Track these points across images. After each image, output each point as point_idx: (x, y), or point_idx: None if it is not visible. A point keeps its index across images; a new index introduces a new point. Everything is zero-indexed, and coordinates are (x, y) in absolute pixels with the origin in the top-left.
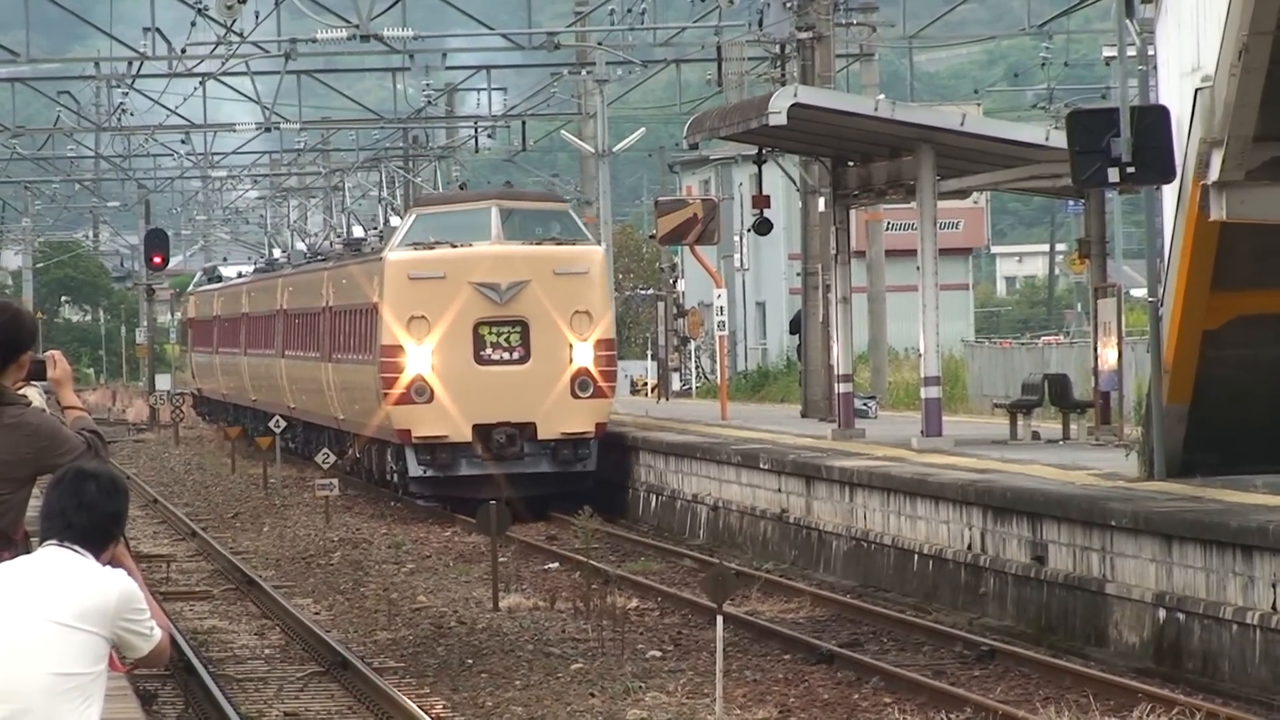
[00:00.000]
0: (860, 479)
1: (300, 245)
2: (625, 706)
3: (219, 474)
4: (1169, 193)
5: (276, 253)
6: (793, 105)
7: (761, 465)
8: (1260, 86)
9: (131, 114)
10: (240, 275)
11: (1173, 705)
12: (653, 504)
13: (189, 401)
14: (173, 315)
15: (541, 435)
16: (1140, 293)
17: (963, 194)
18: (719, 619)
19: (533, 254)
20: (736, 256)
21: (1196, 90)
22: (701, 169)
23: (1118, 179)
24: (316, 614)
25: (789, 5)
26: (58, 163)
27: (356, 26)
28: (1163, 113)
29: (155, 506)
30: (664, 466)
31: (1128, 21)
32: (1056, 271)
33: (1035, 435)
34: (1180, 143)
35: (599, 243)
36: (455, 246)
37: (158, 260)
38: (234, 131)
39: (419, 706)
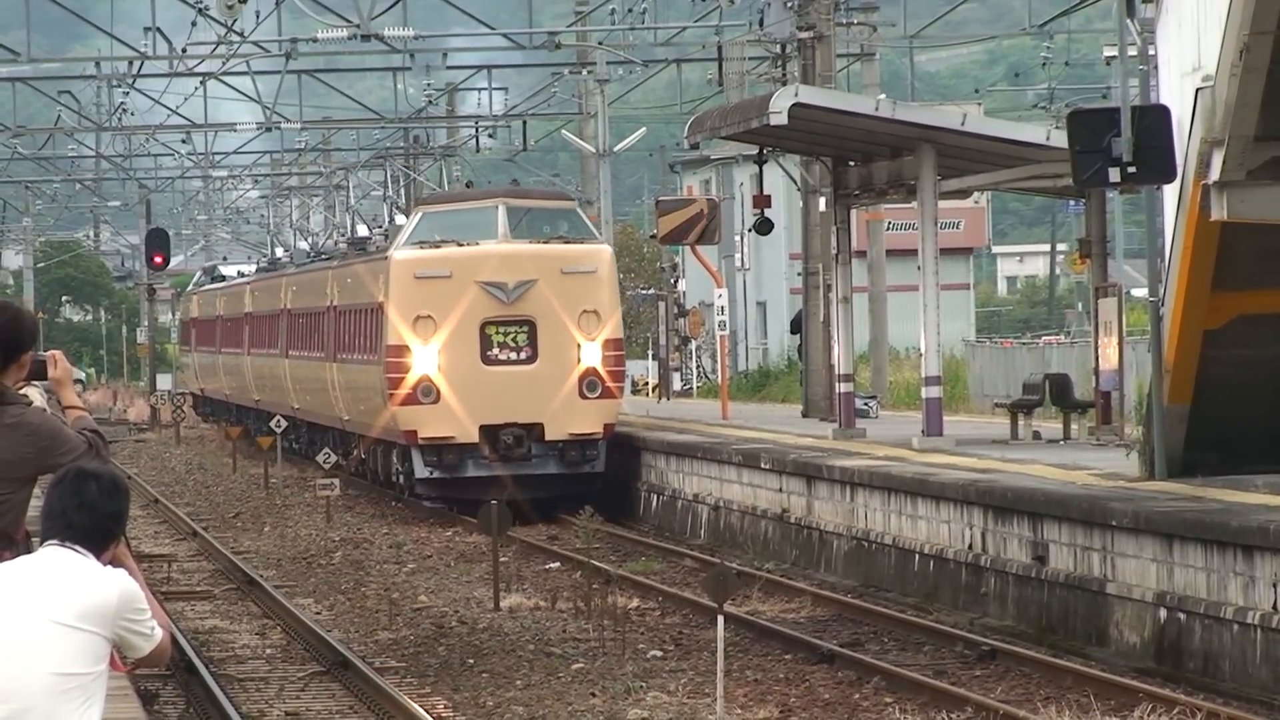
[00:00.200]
0: (861, 479)
1: (303, 244)
2: (626, 706)
3: (220, 474)
4: (1170, 192)
5: (279, 252)
6: (793, 105)
7: (762, 465)
8: (1261, 86)
9: (132, 114)
10: (240, 275)
11: (1173, 705)
12: (654, 504)
13: (189, 401)
14: (173, 315)
15: (549, 436)
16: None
17: (963, 194)
18: (720, 619)
19: (540, 253)
20: (737, 256)
21: (1197, 90)
22: (702, 169)
23: (1118, 179)
24: (318, 614)
25: (790, 5)
26: (58, 162)
27: (357, 26)
28: (1163, 112)
29: (156, 506)
30: (665, 466)
31: (1128, 21)
32: (1057, 271)
33: (1036, 435)
34: (1181, 142)
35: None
36: (462, 245)
37: (158, 260)
38: (235, 131)
39: (420, 706)
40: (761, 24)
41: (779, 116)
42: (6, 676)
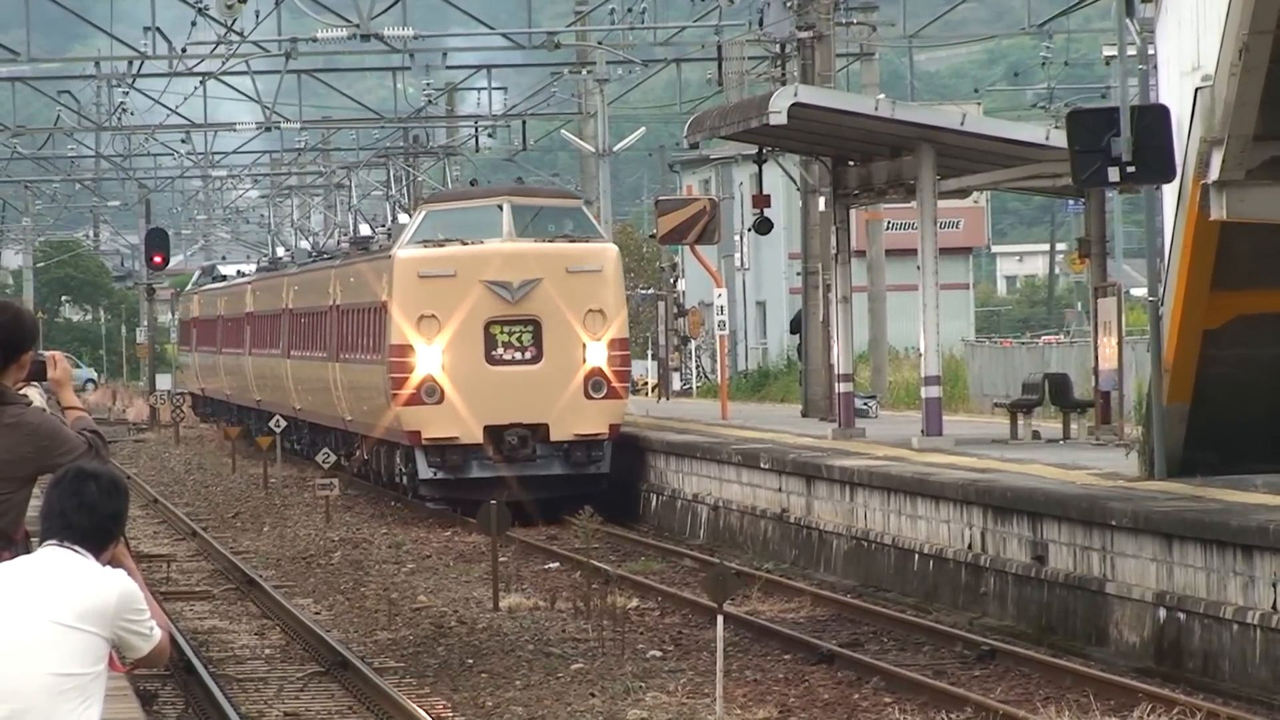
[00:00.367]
0: (861, 478)
1: (305, 244)
2: (625, 706)
3: (219, 474)
4: (1169, 192)
5: (280, 251)
6: (793, 105)
7: (762, 465)
8: (1260, 86)
9: (132, 113)
10: (240, 274)
11: (1173, 705)
12: (654, 503)
13: (188, 401)
14: (172, 315)
15: (554, 437)
16: (1140, 292)
17: (963, 193)
18: (719, 619)
19: (545, 251)
20: (737, 256)
21: (1197, 89)
22: (702, 168)
23: (1118, 178)
24: (317, 614)
25: (789, 5)
26: (58, 162)
27: (357, 26)
28: (1163, 112)
29: (155, 506)
30: (664, 466)
31: (1128, 21)
32: (1057, 271)
33: (1035, 435)
34: (1180, 142)
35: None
36: (466, 244)
37: (158, 260)
38: (234, 131)
39: (419, 706)
40: (761, 24)
41: (778, 116)
42: (5, 676)
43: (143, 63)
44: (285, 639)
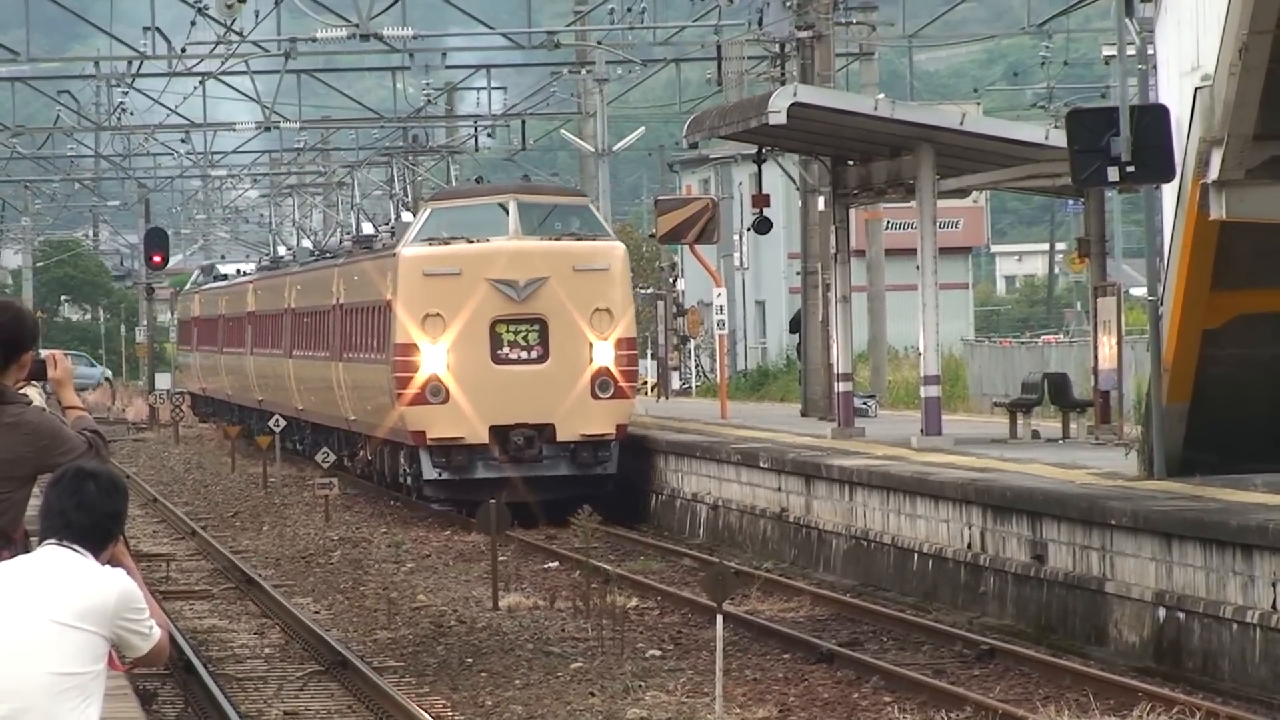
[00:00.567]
0: (860, 478)
1: (307, 242)
2: (625, 705)
3: (219, 473)
4: (1169, 192)
5: (281, 250)
6: (792, 104)
7: (761, 464)
8: (1260, 85)
9: (131, 113)
10: (240, 273)
11: (1173, 704)
12: (653, 503)
13: (187, 401)
14: (172, 314)
15: (560, 437)
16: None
17: (962, 193)
18: (719, 618)
19: (552, 250)
20: (736, 255)
21: (1196, 89)
22: (701, 168)
23: (1117, 178)
24: (316, 613)
25: (789, 4)
26: (57, 162)
27: (356, 26)
28: (1162, 112)
29: (155, 505)
30: (664, 465)
31: (1127, 20)
32: (1056, 270)
33: (1035, 434)
34: (1180, 142)
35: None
36: (471, 242)
37: (157, 259)
38: (234, 131)
39: (419, 706)
40: (760, 23)
41: (778, 116)
42: (5, 676)
43: (142, 62)
44: (285, 638)
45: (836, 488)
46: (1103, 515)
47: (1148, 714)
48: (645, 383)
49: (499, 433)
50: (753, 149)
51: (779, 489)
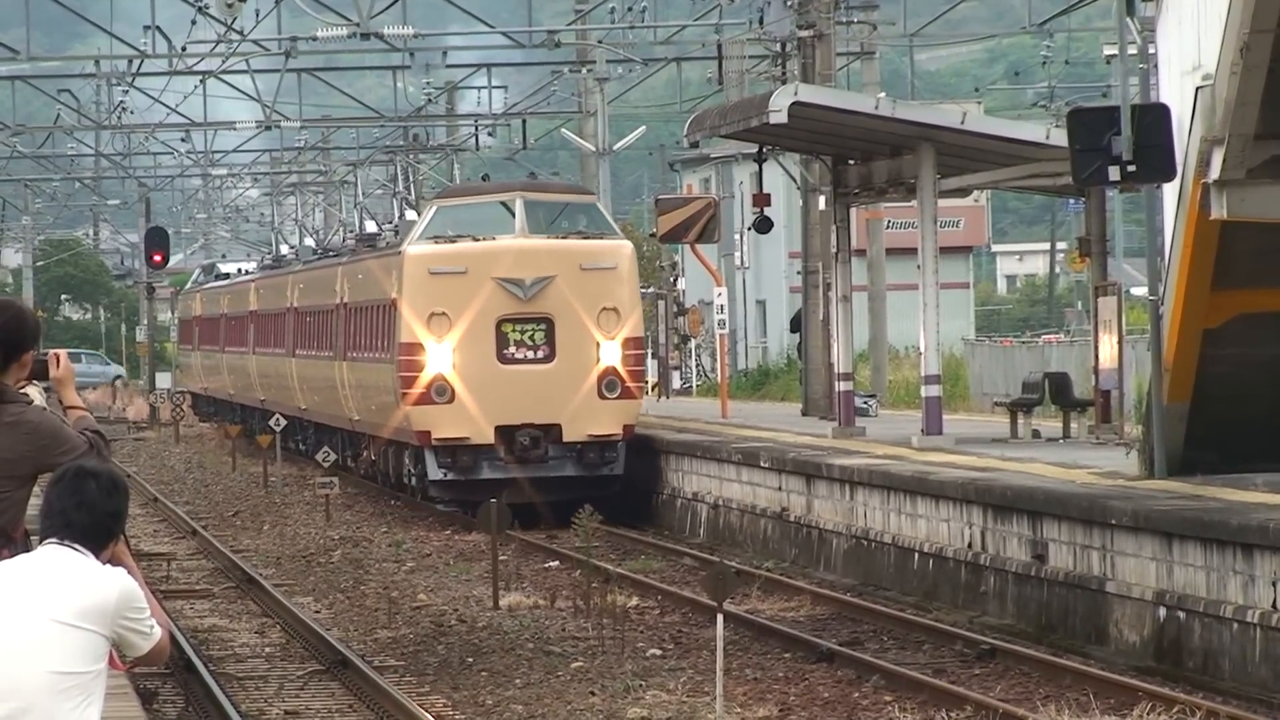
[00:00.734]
0: (861, 477)
1: (310, 241)
2: (626, 705)
3: (219, 472)
4: (1169, 191)
5: (284, 249)
6: (793, 103)
7: (762, 463)
8: (1261, 84)
9: (132, 112)
10: (241, 272)
11: (1173, 704)
12: (654, 502)
13: (188, 400)
14: (172, 313)
15: (567, 437)
16: (1141, 291)
17: (963, 192)
18: (719, 617)
19: (559, 248)
20: (737, 255)
21: (1197, 88)
22: (702, 167)
23: (1118, 177)
24: (317, 612)
25: (789, 3)
26: (58, 161)
27: (357, 24)
28: (1163, 111)
29: (155, 505)
30: (664, 464)
31: (1128, 19)
32: (1057, 270)
33: (1036, 434)
34: (1181, 141)
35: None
36: (478, 240)
37: (158, 258)
38: (234, 130)
39: (419, 705)
40: (761, 22)
41: (779, 115)
42: (6, 675)
43: (142, 61)
44: (285, 637)
45: (837, 487)
46: (1103, 515)
47: (1148, 713)
48: (646, 382)
49: (505, 433)
50: (753, 148)
51: (780, 488)
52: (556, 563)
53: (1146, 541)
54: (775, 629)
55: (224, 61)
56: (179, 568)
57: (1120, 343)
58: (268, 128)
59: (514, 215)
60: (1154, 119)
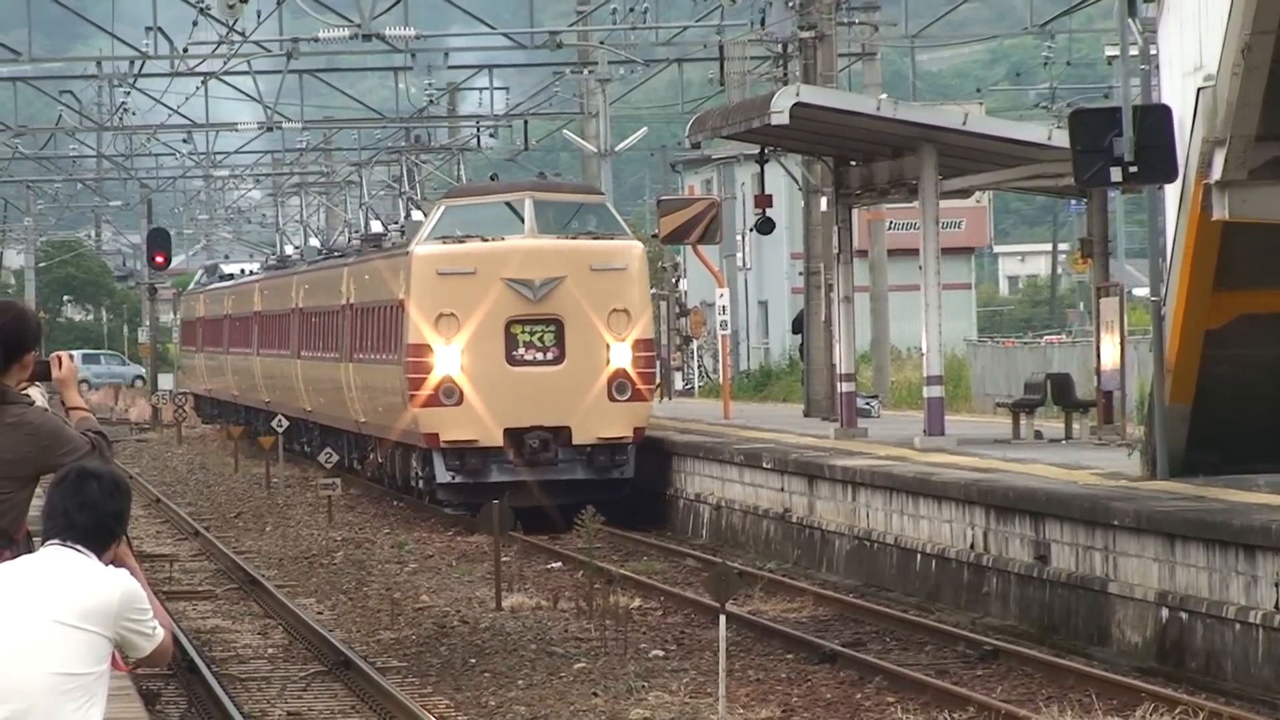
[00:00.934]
0: (863, 478)
1: (314, 241)
2: (628, 706)
3: (222, 474)
4: (1171, 192)
5: (288, 249)
6: (795, 105)
7: (764, 465)
8: (1263, 85)
9: (133, 113)
10: (244, 273)
11: (1175, 705)
12: (656, 503)
13: (190, 401)
14: (174, 314)
15: (577, 440)
16: (1142, 292)
17: (965, 193)
18: (722, 618)
19: (568, 249)
20: (739, 256)
21: (1199, 89)
22: (703, 168)
23: (1120, 178)
24: (319, 613)
25: (791, 4)
26: (60, 162)
27: (358, 26)
28: (1165, 112)
29: (158, 506)
30: (667, 466)
31: (1130, 21)
32: (1059, 271)
33: (1038, 434)
34: (1183, 142)
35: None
36: (486, 240)
37: (160, 259)
38: (236, 131)
39: (422, 706)
40: (763, 23)
41: (780, 116)
42: (8, 676)
43: (144, 62)
44: (288, 638)
45: (839, 488)
46: (1105, 516)
47: (1150, 714)
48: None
49: (514, 435)
50: (755, 149)
51: (782, 489)
52: (559, 564)
53: (1149, 542)
54: (778, 630)
55: (225, 63)
56: (181, 569)
57: (1122, 343)
58: (269, 129)
59: (523, 215)
60: (1155, 120)
